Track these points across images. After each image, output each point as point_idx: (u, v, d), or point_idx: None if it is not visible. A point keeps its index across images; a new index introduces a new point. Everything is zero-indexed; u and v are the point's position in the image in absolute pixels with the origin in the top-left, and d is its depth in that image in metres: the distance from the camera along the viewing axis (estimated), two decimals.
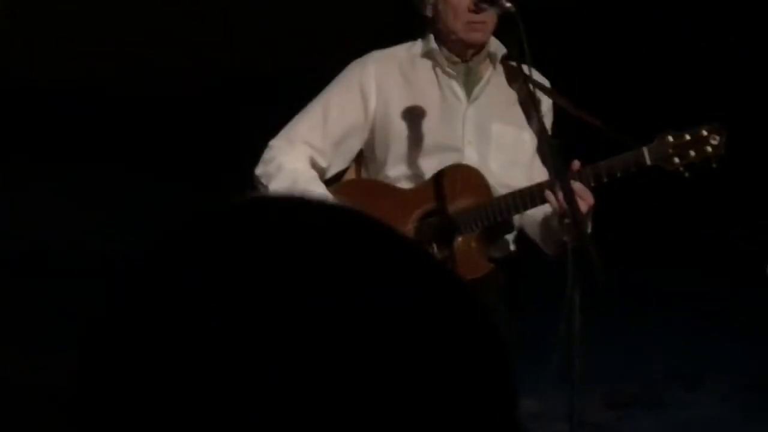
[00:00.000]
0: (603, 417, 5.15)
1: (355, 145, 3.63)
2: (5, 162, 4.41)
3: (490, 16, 3.48)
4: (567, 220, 3.17)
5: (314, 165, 3.58)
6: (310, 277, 0.98)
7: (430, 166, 3.54)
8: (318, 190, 3.49)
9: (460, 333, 1.02)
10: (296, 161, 3.55)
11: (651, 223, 5.08)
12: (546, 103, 3.60)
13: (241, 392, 0.94)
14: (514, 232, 3.64)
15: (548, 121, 3.61)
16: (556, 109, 3.66)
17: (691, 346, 5.21)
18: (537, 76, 3.59)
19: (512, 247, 3.64)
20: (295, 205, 1.05)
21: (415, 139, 3.55)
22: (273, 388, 0.93)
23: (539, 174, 3.54)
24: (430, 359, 0.97)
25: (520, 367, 3.22)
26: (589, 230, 3.37)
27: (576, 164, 3.39)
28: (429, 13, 3.61)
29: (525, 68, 3.31)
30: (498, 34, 3.61)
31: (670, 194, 4.65)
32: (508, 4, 3.25)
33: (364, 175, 3.68)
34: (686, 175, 3.48)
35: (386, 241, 1.02)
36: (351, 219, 1.03)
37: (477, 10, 3.45)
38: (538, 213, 3.56)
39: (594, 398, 5.16)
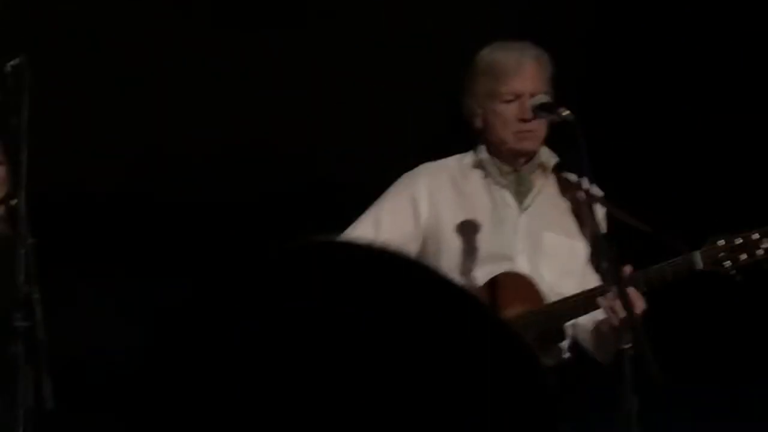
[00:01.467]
0: None
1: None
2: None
3: (539, 125, 3.50)
4: (622, 327, 3.13)
5: None
6: (375, 321, 0.99)
7: (482, 275, 3.53)
8: None
9: (507, 379, 1.03)
10: None
11: (707, 332, 5.01)
12: (599, 212, 3.58)
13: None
14: (568, 340, 3.59)
15: (602, 229, 3.58)
16: (608, 217, 3.64)
17: None
18: (587, 184, 3.58)
19: (566, 355, 3.60)
20: (364, 251, 1.07)
21: (467, 250, 3.55)
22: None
23: (591, 282, 3.52)
24: (474, 401, 0.98)
25: None
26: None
27: (628, 269, 3.37)
28: (479, 124, 3.63)
29: (577, 177, 3.31)
30: (550, 142, 3.61)
31: (727, 301, 4.60)
32: (567, 112, 3.26)
33: None
34: (738, 278, 3.46)
35: (445, 290, 1.03)
36: (414, 268, 1.05)
37: (526, 119, 3.46)
38: (589, 321, 3.53)
39: None
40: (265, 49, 4.87)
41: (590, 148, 3.18)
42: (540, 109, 3.40)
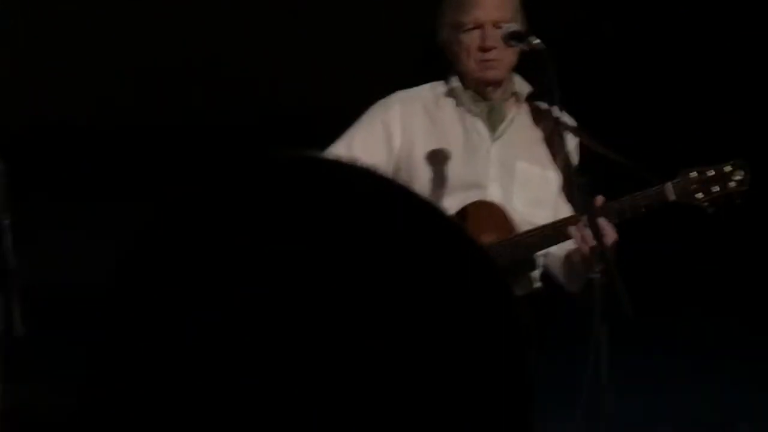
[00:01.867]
0: None
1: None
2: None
3: (503, 53, 3.50)
4: (592, 257, 3.14)
5: None
6: (347, 238, 0.99)
7: (454, 203, 3.54)
8: None
9: (483, 306, 1.03)
10: None
11: (682, 265, 5.03)
12: (572, 142, 3.59)
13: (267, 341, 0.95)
14: (539, 269, 3.61)
15: (574, 159, 3.59)
16: (581, 147, 3.65)
17: (725, 394, 5.15)
18: (564, 115, 3.58)
19: (537, 284, 3.62)
20: (343, 169, 1.07)
21: (439, 178, 3.56)
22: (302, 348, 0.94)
23: (564, 212, 3.53)
24: (449, 327, 0.98)
25: (546, 409, 3.17)
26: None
27: (600, 200, 3.39)
28: (449, 54, 3.64)
29: (551, 107, 3.30)
30: (523, 70, 3.61)
31: (699, 234, 4.61)
32: (537, 41, 3.26)
33: None
34: (709, 210, 3.47)
35: (425, 214, 1.03)
36: (394, 189, 1.05)
37: (486, 47, 3.45)
38: (560, 251, 3.54)
39: None
40: None
41: (565, 78, 3.18)
42: (509, 38, 3.41)
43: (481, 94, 3.62)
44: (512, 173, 3.58)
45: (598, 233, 3.09)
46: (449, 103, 3.64)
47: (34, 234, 3.77)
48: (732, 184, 3.48)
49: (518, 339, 1.09)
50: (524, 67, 3.60)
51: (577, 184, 3.24)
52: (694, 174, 3.48)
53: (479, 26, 3.54)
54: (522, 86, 3.63)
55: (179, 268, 1.06)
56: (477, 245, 1.13)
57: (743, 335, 5.02)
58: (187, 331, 1.03)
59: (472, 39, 3.54)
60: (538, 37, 3.31)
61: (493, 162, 3.58)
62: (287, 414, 1.00)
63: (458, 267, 1.09)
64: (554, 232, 3.44)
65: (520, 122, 3.63)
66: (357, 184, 1.11)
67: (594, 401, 2.99)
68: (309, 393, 1.04)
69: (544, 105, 3.46)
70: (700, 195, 3.48)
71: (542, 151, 3.49)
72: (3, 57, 3.33)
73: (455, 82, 3.64)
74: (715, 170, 3.49)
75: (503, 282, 1.11)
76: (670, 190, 3.46)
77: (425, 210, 1.10)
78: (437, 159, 3.58)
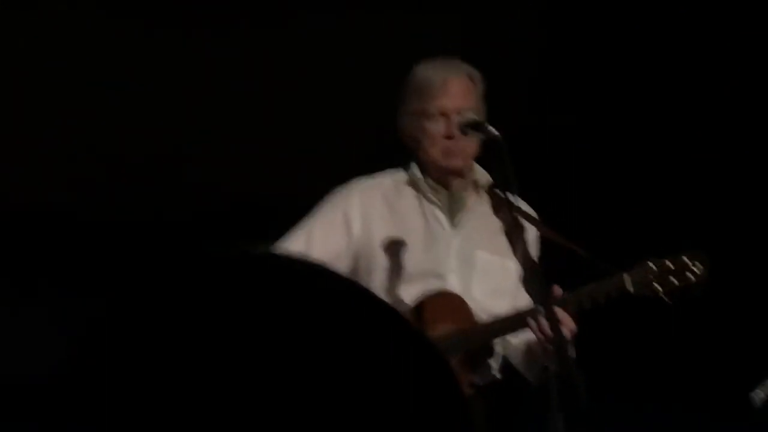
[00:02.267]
0: None
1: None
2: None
3: (467, 142, 3.50)
4: (550, 346, 3.13)
5: None
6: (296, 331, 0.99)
7: (412, 293, 3.52)
8: None
9: (424, 386, 1.02)
10: None
11: (637, 352, 5.02)
12: (532, 233, 3.58)
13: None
14: (499, 360, 3.58)
15: (534, 250, 3.59)
16: (541, 237, 3.65)
17: None
18: (523, 205, 3.60)
19: (497, 375, 3.59)
20: (296, 266, 1.06)
21: (398, 267, 3.54)
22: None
23: (523, 302, 3.52)
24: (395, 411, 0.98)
25: None
26: (573, 356, 3.33)
27: (557, 290, 3.37)
28: (410, 142, 3.63)
29: (510, 196, 3.31)
30: (482, 161, 3.62)
31: (656, 322, 4.60)
32: (493, 130, 3.25)
33: None
34: (668, 302, 3.46)
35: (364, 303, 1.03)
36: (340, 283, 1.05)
37: (451, 136, 3.46)
38: (520, 342, 3.52)
39: None
40: (186, 59, 4.81)
41: (525, 166, 3.18)
42: (466, 126, 3.39)
43: (441, 183, 3.62)
44: (472, 263, 3.57)
45: (554, 325, 3.08)
46: (409, 191, 3.64)
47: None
48: (690, 276, 3.47)
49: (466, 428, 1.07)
50: (484, 157, 3.61)
51: (534, 275, 3.23)
52: (651, 265, 3.47)
53: (444, 114, 3.54)
54: (482, 175, 3.64)
55: (127, 360, 1.04)
56: (425, 339, 1.13)
57: (700, 423, 5.00)
58: (134, 420, 1.02)
59: (436, 127, 3.54)
60: (494, 127, 3.31)
61: (453, 251, 3.57)
62: None
63: (405, 362, 1.08)
64: (513, 321, 3.42)
65: (480, 211, 3.63)
66: (308, 280, 1.10)
67: None
68: None
69: (503, 195, 3.47)
70: (658, 287, 3.46)
71: (502, 241, 3.49)
72: None
73: (415, 170, 3.64)
74: (673, 261, 3.48)
75: (453, 379, 1.10)
76: (627, 282, 3.44)
77: (376, 306, 1.10)
78: (396, 248, 3.56)
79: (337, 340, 1.05)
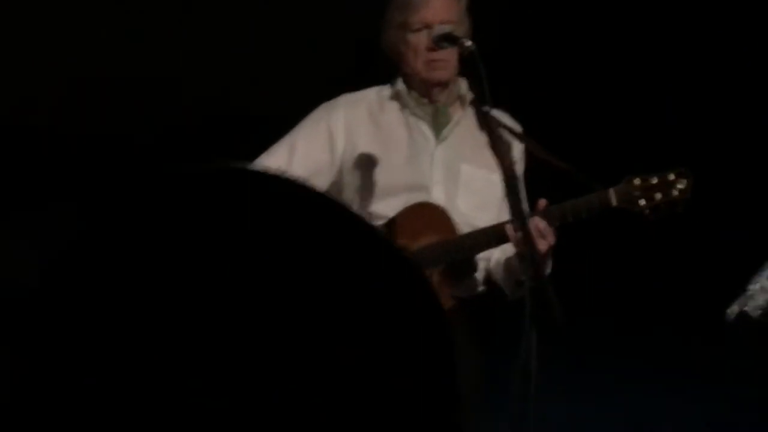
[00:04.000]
0: None
1: (319, 186, 3.57)
2: None
3: (450, 54, 3.47)
4: (525, 260, 3.13)
5: None
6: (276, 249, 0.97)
7: (397, 206, 3.53)
8: None
9: (404, 304, 1.01)
10: None
11: (614, 269, 5.02)
12: (517, 148, 3.57)
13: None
14: (482, 273, 3.58)
15: (520, 166, 3.59)
16: (526, 152, 3.63)
17: (649, 400, 5.16)
18: (508, 120, 3.59)
19: (480, 288, 3.59)
20: (270, 180, 1.04)
21: (383, 181, 3.55)
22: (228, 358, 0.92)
23: (507, 217, 3.50)
24: (373, 329, 0.97)
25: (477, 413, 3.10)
26: (549, 270, 3.35)
27: (542, 203, 3.40)
28: (394, 56, 3.63)
29: (493, 111, 3.30)
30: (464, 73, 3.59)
31: (637, 239, 4.59)
32: (469, 43, 3.21)
33: None
34: (651, 218, 3.47)
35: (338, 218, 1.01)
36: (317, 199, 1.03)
37: (435, 48, 3.43)
38: (501, 255, 3.52)
39: None
40: None
41: (512, 81, 3.15)
42: (441, 40, 3.35)
43: (426, 97, 3.61)
44: (456, 176, 3.57)
45: (528, 237, 3.08)
46: (394, 106, 3.64)
47: None
48: (675, 193, 3.49)
49: (444, 348, 1.06)
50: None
51: (515, 187, 3.23)
52: (637, 181, 3.48)
53: (427, 26, 3.53)
54: (466, 89, 3.62)
55: (103, 273, 1.02)
56: (401, 253, 1.11)
57: (674, 344, 5.03)
58: (106, 336, 1.00)
59: (419, 39, 3.54)
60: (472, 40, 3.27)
61: (437, 164, 3.57)
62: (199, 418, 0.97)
63: (382, 275, 1.06)
64: (494, 234, 3.42)
65: (465, 125, 3.61)
66: (282, 194, 1.08)
67: (522, 408, 2.97)
68: (222, 400, 1.01)
69: (489, 109, 3.44)
70: (642, 202, 3.47)
71: (487, 155, 3.46)
72: None
73: (400, 84, 3.64)
74: (658, 178, 3.49)
75: (429, 290, 1.08)
76: (612, 195, 3.46)
77: (348, 218, 1.07)
78: (381, 161, 3.57)
79: (312, 257, 1.03)
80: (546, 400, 2.90)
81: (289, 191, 1.11)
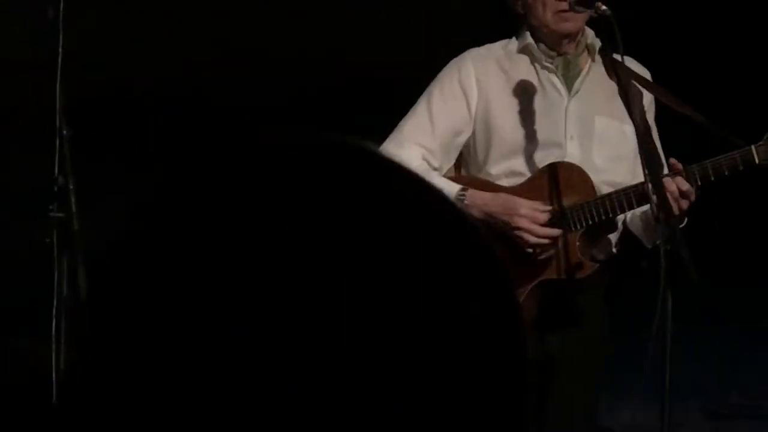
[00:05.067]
0: (702, 428, 5.01)
1: (460, 144, 3.58)
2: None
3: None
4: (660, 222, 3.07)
5: (428, 165, 3.55)
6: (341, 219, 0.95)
7: (532, 162, 3.50)
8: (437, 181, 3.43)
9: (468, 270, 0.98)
10: (411, 162, 3.50)
11: (750, 231, 4.89)
12: (647, 96, 3.52)
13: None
14: (618, 233, 3.54)
15: (650, 115, 3.53)
16: (659, 105, 3.56)
17: None
18: (637, 67, 3.53)
19: (615, 249, 3.57)
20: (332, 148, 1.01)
21: (517, 136, 3.51)
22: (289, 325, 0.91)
23: (640, 169, 3.44)
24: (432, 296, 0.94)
25: (615, 376, 3.07)
26: (683, 224, 3.29)
27: (677, 164, 3.35)
28: (520, 9, 3.58)
29: (626, 60, 3.26)
30: (594, 27, 3.54)
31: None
32: (604, 7, 3.23)
33: (464, 173, 3.62)
34: None
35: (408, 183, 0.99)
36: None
37: None
38: (638, 209, 3.48)
39: (693, 409, 5.02)
40: None
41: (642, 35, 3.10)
42: (577, 3, 3.36)
43: (555, 49, 3.56)
44: (591, 129, 3.52)
45: (665, 200, 3.03)
46: (523, 59, 3.59)
47: (100, 197, 3.78)
48: None
49: (516, 359, 1.03)
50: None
51: (645, 152, 3.17)
52: None
53: None
54: (595, 39, 3.57)
55: (183, 243, 1.01)
56: (487, 250, 1.07)
57: None
58: (180, 317, 0.99)
59: None
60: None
61: (571, 118, 3.52)
62: (278, 408, 0.96)
63: (466, 269, 1.03)
64: (635, 194, 3.37)
65: (595, 76, 3.55)
66: (389, 182, 1.06)
67: (659, 369, 2.93)
68: (299, 389, 1.00)
69: (617, 58, 3.39)
70: None
71: (619, 105, 3.42)
72: (73, 27, 3.34)
73: (528, 38, 3.58)
74: None
75: (507, 287, 1.05)
76: (754, 152, 3.38)
77: (446, 210, 1.04)
78: (514, 113, 3.53)
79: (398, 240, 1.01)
80: (684, 361, 2.86)
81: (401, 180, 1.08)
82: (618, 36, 3.20)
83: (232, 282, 1.01)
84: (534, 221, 3.41)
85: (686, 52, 4.79)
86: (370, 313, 1.00)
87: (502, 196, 3.46)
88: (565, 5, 3.43)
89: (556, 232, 3.43)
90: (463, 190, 3.45)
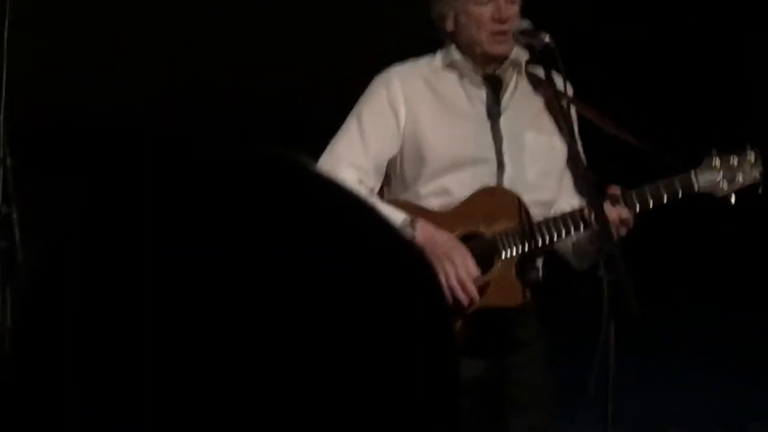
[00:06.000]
0: None
1: (388, 162, 3.50)
2: None
3: (513, 25, 3.39)
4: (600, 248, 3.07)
5: (365, 187, 3.45)
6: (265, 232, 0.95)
7: (463, 180, 3.41)
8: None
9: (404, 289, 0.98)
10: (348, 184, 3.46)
11: (690, 258, 4.92)
12: (573, 111, 3.47)
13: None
14: (542, 260, 3.53)
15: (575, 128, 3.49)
16: (586, 126, 3.52)
17: (735, 392, 5.05)
18: (560, 81, 3.43)
19: (541, 273, 3.49)
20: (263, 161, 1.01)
21: (447, 154, 3.43)
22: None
23: (568, 182, 3.45)
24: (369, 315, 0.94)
25: (556, 404, 3.07)
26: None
27: (615, 189, 3.31)
28: (450, 27, 3.47)
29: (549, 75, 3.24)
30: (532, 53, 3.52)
31: (709, 225, 4.50)
32: (547, 38, 3.21)
33: (386, 194, 3.57)
34: (732, 201, 3.37)
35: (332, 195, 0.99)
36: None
37: (503, 19, 3.36)
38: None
39: None
40: None
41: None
42: (522, 34, 3.32)
43: (482, 66, 3.46)
44: (521, 145, 3.44)
45: (607, 230, 3.01)
46: (450, 75, 3.47)
47: (43, 226, 3.74)
48: (756, 174, 3.38)
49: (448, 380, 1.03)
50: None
51: (586, 179, 3.16)
52: (717, 161, 3.37)
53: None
54: (519, 54, 3.46)
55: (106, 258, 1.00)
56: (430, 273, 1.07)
57: (755, 333, 4.92)
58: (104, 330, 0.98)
59: (485, 11, 3.38)
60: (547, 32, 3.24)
61: (502, 134, 3.43)
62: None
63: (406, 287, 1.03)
64: (576, 220, 3.33)
65: (521, 91, 3.47)
66: (324, 198, 1.05)
67: (601, 400, 2.92)
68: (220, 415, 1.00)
69: (541, 72, 3.36)
70: (724, 185, 3.37)
71: (547, 119, 3.39)
72: (17, 55, 3.31)
73: (454, 53, 3.47)
74: (737, 158, 3.38)
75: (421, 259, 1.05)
76: (694, 178, 3.35)
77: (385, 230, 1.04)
78: (444, 129, 3.43)
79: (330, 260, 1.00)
80: (625, 391, 2.86)
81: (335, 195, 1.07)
82: (562, 66, 3.17)
83: (158, 301, 1.00)
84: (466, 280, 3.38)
85: (628, 75, 4.83)
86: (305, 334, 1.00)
87: (453, 242, 3.37)
88: (503, 28, 3.36)
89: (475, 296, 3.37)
90: (410, 220, 3.37)
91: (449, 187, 3.43)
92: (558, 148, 3.43)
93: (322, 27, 4.75)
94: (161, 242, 0.98)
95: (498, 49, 3.42)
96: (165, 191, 1.01)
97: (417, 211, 3.40)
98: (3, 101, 3.40)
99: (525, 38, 3.32)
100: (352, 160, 3.45)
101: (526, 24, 3.33)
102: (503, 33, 3.37)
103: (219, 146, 1.03)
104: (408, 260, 1.03)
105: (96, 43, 4.71)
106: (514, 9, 3.37)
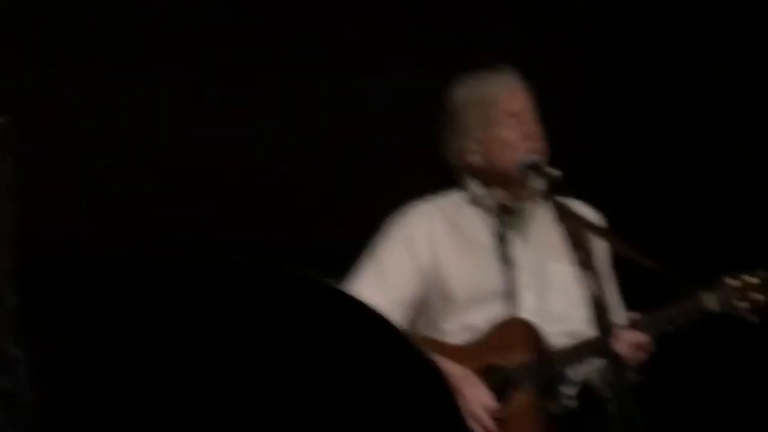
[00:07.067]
0: None
1: (410, 302, 3.49)
2: None
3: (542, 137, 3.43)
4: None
5: None
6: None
7: (486, 315, 3.41)
8: None
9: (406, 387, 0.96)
10: None
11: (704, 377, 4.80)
12: (600, 244, 3.42)
13: None
14: (575, 387, 3.46)
15: (605, 262, 3.47)
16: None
17: None
18: (589, 212, 3.49)
19: (572, 403, 3.46)
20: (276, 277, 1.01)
21: (470, 289, 3.44)
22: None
23: (616, 302, 3.46)
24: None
25: None
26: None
27: (634, 316, 3.33)
28: (477, 160, 3.50)
29: (572, 202, 3.28)
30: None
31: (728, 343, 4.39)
32: (556, 172, 3.23)
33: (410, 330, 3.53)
34: (754, 320, 3.33)
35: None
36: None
37: (533, 136, 3.40)
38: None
39: None
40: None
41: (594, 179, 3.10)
42: (528, 169, 3.35)
43: (503, 197, 3.50)
44: (546, 277, 3.46)
45: (616, 359, 2.98)
46: (471, 209, 3.53)
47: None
48: None
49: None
50: None
51: (596, 306, 3.11)
52: (736, 282, 3.36)
53: (516, 116, 3.45)
54: (538, 182, 3.47)
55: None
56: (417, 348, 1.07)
57: None
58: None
59: (513, 133, 3.43)
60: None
61: (525, 268, 3.45)
62: None
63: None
64: (590, 348, 3.29)
65: (543, 220, 3.48)
66: (350, 314, 1.05)
67: None
68: None
69: (565, 201, 3.36)
70: (743, 304, 3.34)
71: (569, 249, 3.38)
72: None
73: (478, 188, 3.52)
74: (759, 277, 3.38)
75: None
76: (713, 300, 3.35)
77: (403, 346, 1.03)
78: (468, 270, 3.46)
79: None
80: None
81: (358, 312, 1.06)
82: (569, 195, 3.21)
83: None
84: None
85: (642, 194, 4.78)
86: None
87: (464, 375, 3.35)
88: (535, 145, 3.40)
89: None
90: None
91: (474, 322, 3.43)
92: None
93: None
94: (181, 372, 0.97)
95: (535, 152, 3.39)
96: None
97: (435, 346, 3.36)
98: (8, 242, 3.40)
99: (531, 173, 3.34)
100: (370, 297, 3.43)
101: (532, 158, 3.36)
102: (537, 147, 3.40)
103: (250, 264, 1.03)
104: (425, 372, 1.02)
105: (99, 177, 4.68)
106: (537, 125, 3.42)
